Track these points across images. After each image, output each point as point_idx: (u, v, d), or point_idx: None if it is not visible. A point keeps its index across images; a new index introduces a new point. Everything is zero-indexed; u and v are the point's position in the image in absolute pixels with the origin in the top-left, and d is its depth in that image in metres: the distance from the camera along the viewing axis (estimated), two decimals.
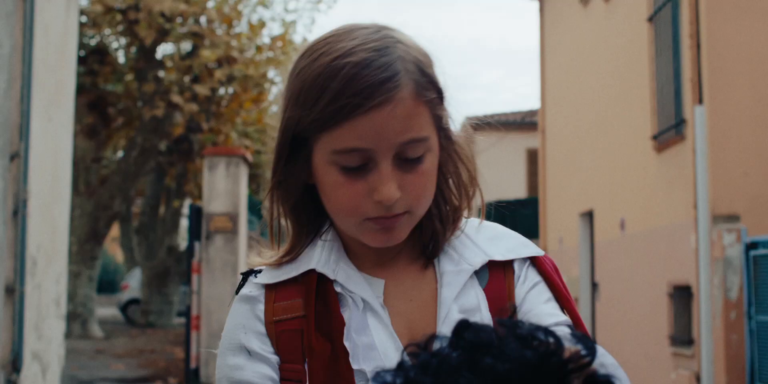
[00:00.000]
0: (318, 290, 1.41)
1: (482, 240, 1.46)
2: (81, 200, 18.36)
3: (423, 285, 1.43)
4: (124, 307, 25.04)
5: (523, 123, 23.99)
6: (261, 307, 1.42)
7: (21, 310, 8.36)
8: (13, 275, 8.25)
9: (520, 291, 1.43)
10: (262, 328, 1.40)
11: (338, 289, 1.40)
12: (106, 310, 29.05)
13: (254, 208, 14.06)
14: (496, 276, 1.43)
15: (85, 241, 18.37)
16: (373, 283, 1.42)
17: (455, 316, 1.38)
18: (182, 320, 19.82)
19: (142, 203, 24.46)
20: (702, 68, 8.51)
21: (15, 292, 8.26)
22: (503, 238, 1.46)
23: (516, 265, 1.44)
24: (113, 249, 39.10)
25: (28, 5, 8.42)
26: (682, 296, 9.18)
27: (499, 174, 23.02)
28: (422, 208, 1.37)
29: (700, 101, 8.47)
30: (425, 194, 1.36)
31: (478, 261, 1.43)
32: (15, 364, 8.23)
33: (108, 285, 37.02)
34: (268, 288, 1.43)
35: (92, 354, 14.90)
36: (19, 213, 8.30)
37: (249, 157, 13.88)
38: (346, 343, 1.37)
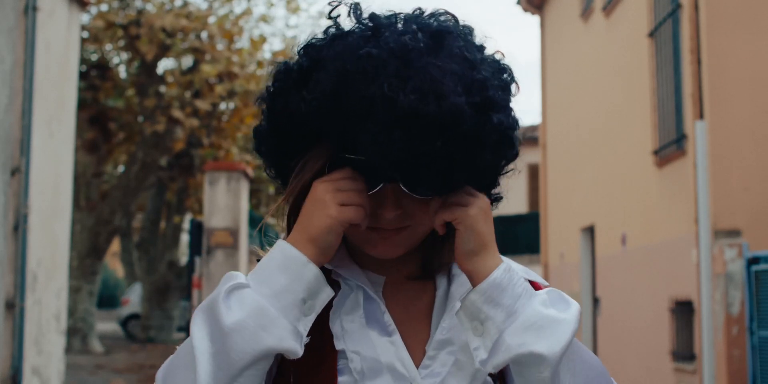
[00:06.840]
0: None
1: None
2: (82, 215, 18.34)
3: (422, 298, 1.45)
4: (125, 322, 24.98)
5: (523, 138, 23.92)
6: None
7: (21, 325, 8.34)
8: (13, 290, 8.23)
9: None
10: None
11: (336, 277, 1.42)
12: (107, 325, 28.99)
13: (255, 223, 14.04)
14: None
15: (86, 255, 18.34)
16: (372, 278, 1.44)
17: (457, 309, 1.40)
18: (182, 335, 19.78)
19: (142, 218, 24.43)
20: (703, 83, 8.52)
21: (15, 307, 8.25)
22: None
23: None
24: (114, 264, 39.05)
25: (30, 21, 8.45)
26: (684, 311, 9.16)
27: (499, 189, 22.98)
28: (424, 226, 1.39)
29: (701, 116, 8.48)
30: (427, 215, 1.38)
31: None
32: (15, 379, 8.21)
33: (108, 300, 36.92)
34: None
35: (92, 369, 14.85)
36: (19, 228, 8.30)
37: (250, 172, 13.88)
38: (332, 326, 1.38)
